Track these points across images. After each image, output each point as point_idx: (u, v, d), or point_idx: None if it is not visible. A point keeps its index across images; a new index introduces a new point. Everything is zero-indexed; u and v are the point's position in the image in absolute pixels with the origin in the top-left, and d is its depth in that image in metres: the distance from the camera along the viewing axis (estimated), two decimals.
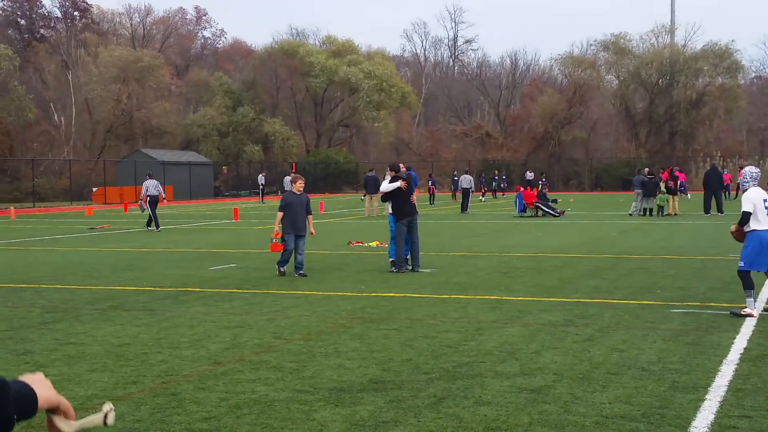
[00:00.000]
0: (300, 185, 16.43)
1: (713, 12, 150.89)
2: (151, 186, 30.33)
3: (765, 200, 11.27)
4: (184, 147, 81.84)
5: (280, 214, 16.10)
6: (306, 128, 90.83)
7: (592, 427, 6.44)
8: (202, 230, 30.54)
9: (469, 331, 10.36)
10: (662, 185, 35.13)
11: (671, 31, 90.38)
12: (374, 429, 6.46)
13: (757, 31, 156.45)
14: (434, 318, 11.31)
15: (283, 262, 16.08)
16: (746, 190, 11.56)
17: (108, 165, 68.56)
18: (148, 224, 30.29)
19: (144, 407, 7.14)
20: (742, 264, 11.31)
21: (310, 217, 16.36)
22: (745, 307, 11.13)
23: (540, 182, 51.30)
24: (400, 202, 16.82)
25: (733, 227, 11.77)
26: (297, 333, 10.43)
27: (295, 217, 16.03)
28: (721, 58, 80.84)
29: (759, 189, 11.45)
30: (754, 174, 11.59)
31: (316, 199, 59.06)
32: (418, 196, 18.03)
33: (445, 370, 8.31)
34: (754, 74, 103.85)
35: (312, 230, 16.51)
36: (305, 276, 15.80)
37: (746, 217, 11.27)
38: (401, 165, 17.75)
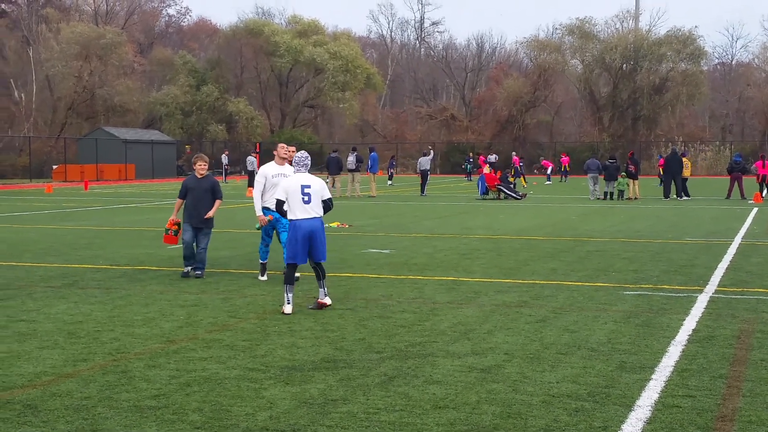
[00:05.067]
0: (201, 167, 13.60)
1: None
2: None
3: (304, 187, 10.36)
4: (147, 125, 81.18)
5: (179, 202, 13.68)
6: (271, 108, 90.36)
7: (538, 406, 6.51)
8: (164, 209, 30.34)
9: (424, 311, 10.42)
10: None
11: (636, 17, 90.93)
12: (323, 407, 6.49)
13: (720, 17, 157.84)
14: (390, 298, 11.36)
15: (186, 259, 13.45)
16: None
17: (69, 142, 67.83)
18: None
19: (93, 384, 7.12)
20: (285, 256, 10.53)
21: (218, 201, 13.60)
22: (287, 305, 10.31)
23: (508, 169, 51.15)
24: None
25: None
26: (252, 312, 10.43)
27: (194, 205, 13.43)
28: (685, 44, 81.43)
29: (306, 175, 10.54)
30: (302, 159, 10.64)
31: None
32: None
33: (397, 350, 8.35)
34: (716, 60, 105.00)
35: (210, 213, 13.50)
36: (201, 277, 13.28)
37: (278, 204, 10.48)
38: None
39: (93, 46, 74.15)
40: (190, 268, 13.37)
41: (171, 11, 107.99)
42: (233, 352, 8.30)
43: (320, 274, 10.59)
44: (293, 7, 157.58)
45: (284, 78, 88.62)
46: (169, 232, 13.71)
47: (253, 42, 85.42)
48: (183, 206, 13.56)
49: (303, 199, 10.33)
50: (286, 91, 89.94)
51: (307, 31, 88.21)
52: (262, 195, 12.84)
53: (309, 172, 10.78)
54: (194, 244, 13.43)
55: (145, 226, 23.12)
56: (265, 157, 72.88)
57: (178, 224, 13.67)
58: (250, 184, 41.20)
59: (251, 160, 42.98)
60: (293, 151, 13.64)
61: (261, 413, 6.35)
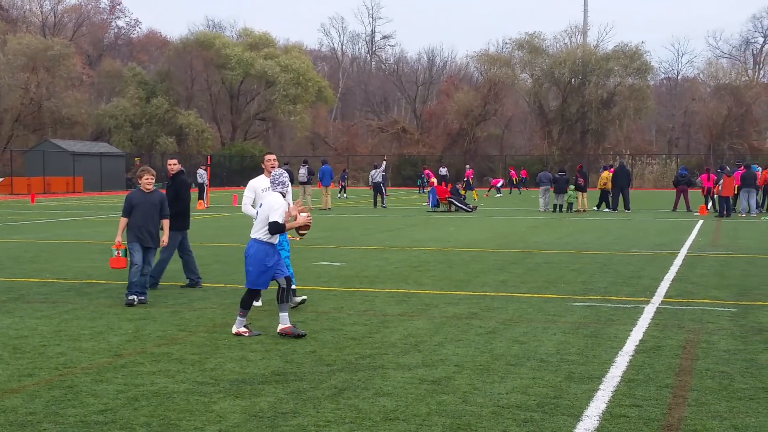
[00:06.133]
0: (148, 180, 12.40)
1: (624, 14, 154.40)
2: None
3: (259, 207, 9.86)
4: (96, 138, 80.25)
5: (123, 221, 12.31)
6: (221, 121, 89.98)
7: (488, 417, 6.55)
8: (112, 222, 29.98)
9: (375, 323, 10.42)
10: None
11: (584, 32, 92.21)
12: (273, 420, 6.46)
13: (666, 33, 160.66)
14: (340, 311, 11.35)
15: (132, 286, 11.98)
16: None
17: (15, 155, 66.75)
18: None
19: (38, 400, 7.01)
20: None
21: (165, 222, 12.59)
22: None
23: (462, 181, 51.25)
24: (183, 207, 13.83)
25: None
26: (202, 325, 10.35)
27: (143, 222, 12.26)
28: (632, 59, 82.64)
29: (270, 194, 9.87)
30: (276, 177, 9.97)
31: (229, 193, 58.54)
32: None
33: (347, 362, 8.35)
34: (663, 75, 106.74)
35: (165, 238, 12.68)
36: (145, 303, 12.01)
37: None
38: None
39: (40, 58, 73.22)
40: (135, 296, 11.94)
41: (120, 23, 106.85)
42: (182, 365, 8.23)
43: (282, 297, 9.67)
44: (244, 20, 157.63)
45: (235, 90, 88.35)
46: (116, 253, 12.36)
47: (203, 54, 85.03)
48: (127, 225, 12.29)
49: (255, 219, 9.95)
50: (237, 103, 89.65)
51: (258, 43, 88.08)
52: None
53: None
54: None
55: (93, 239, 22.83)
56: (217, 169, 72.40)
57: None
58: (201, 196, 40.90)
59: (201, 172, 42.66)
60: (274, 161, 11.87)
61: (210, 427, 6.30)
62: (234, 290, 13.24)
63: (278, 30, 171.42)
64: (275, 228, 9.56)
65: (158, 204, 12.44)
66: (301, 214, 9.95)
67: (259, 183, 11.76)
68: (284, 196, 9.87)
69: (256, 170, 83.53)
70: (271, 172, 11.00)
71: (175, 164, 14.00)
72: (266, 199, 9.79)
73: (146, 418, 6.52)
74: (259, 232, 9.74)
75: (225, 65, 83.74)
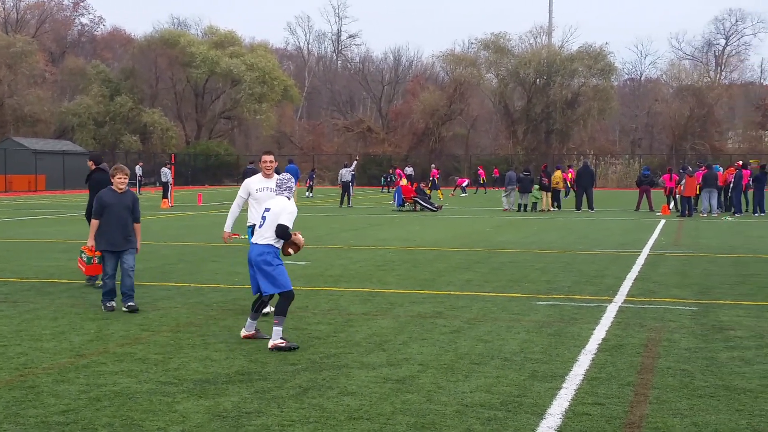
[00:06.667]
0: (121, 180, 11.47)
1: (589, 15, 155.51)
2: None
3: (266, 210, 9.35)
4: (59, 136, 79.49)
5: (95, 223, 11.29)
6: (186, 119, 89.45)
7: (452, 416, 6.57)
8: (74, 221, 29.70)
9: (339, 322, 10.42)
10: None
11: (549, 33, 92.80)
12: (237, 420, 6.44)
13: (630, 34, 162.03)
14: (305, 310, 11.33)
15: (108, 294, 11.32)
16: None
17: None
18: None
19: None
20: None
21: (137, 226, 11.49)
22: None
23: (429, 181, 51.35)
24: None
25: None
26: (165, 325, 10.28)
27: (115, 225, 11.23)
28: (596, 59, 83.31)
29: (277, 198, 9.43)
30: (283, 182, 9.46)
31: (194, 192, 58.24)
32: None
33: (312, 362, 8.34)
34: (626, 76, 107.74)
35: (138, 245, 11.55)
36: (136, 310, 11.16)
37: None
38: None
39: (2, 55, 72.46)
40: (113, 302, 11.29)
41: (84, 20, 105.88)
42: (145, 365, 8.17)
43: (260, 306, 9.43)
44: (209, 18, 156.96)
45: (200, 89, 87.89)
46: (92, 260, 11.63)
47: (168, 52, 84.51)
48: (98, 228, 11.30)
49: (260, 222, 9.32)
50: (202, 102, 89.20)
51: (224, 42, 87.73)
52: (246, 211, 11.14)
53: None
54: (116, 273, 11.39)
55: (55, 238, 22.61)
56: (181, 167, 71.89)
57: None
58: (165, 195, 40.62)
59: (165, 171, 42.36)
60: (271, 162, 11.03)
61: (173, 427, 6.26)
62: (198, 290, 13.18)
63: (244, 28, 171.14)
64: (282, 231, 9.07)
65: (130, 205, 11.43)
66: (298, 235, 9.64)
67: (253, 183, 10.97)
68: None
69: (221, 169, 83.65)
70: (268, 173, 10.77)
71: (93, 165, 13.58)
72: (275, 202, 9.29)
73: (109, 418, 6.47)
74: (272, 236, 9.18)
75: (190, 63, 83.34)
